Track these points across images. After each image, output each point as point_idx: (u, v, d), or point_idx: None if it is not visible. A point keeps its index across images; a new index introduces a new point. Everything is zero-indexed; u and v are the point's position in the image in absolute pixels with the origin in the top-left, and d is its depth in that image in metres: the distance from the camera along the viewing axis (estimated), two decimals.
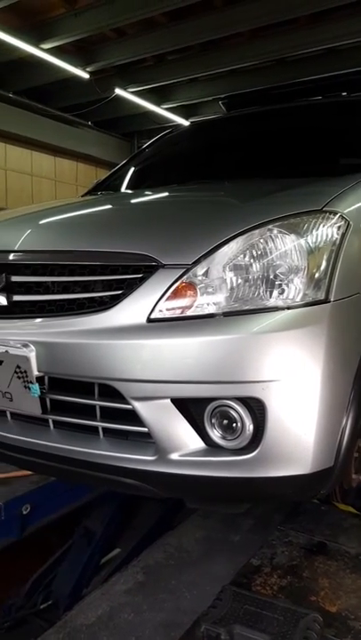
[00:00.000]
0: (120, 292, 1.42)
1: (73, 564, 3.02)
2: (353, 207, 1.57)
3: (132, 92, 7.00)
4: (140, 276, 1.41)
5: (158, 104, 7.49)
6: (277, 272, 1.41)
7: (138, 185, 2.96)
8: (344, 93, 2.93)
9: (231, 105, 3.39)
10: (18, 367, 1.47)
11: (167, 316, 1.37)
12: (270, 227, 1.44)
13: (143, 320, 1.37)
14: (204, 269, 1.39)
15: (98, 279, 1.47)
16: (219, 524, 3.14)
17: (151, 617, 2.26)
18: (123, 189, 2.92)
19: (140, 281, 1.41)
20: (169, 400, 1.34)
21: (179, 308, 1.38)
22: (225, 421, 1.34)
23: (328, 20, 6.51)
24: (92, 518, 3.10)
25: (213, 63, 6.44)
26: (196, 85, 7.49)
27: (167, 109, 7.74)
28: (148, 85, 7.08)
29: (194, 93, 7.48)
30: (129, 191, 2.88)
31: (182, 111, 8.07)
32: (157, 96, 7.58)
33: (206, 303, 1.38)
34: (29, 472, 2.52)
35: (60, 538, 3.29)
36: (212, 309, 1.37)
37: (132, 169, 3.19)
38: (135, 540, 3.09)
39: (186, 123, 7.84)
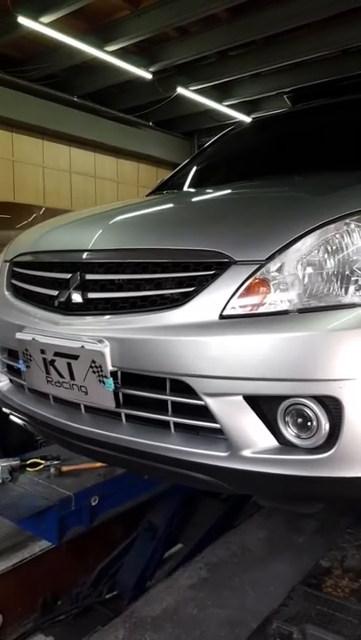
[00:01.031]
0: (192, 288, 1.43)
1: (137, 556, 3.08)
2: None
3: (194, 91, 7.01)
4: (212, 272, 1.41)
5: (220, 101, 7.46)
6: (354, 268, 1.37)
7: (202, 183, 2.96)
8: None
9: (297, 98, 3.32)
10: (93, 362, 1.51)
11: (240, 312, 1.37)
12: (347, 221, 1.40)
13: (216, 317, 1.37)
14: (278, 265, 1.38)
15: (169, 276, 1.49)
16: (282, 525, 3.11)
17: (216, 613, 2.27)
18: (186, 188, 2.93)
19: (213, 278, 1.41)
20: (241, 397, 1.33)
21: (252, 304, 1.37)
22: (300, 420, 1.32)
23: None
24: (155, 513, 3.15)
25: (277, 57, 6.33)
26: (259, 80, 7.40)
27: (228, 106, 7.68)
28: (210, 83, 7.07)
29: (256, 89, 7.39)
30: (194, 189, 2.88)
31: (244, 107, 8.00)
32: (219, 93, 7.55)
33: (280, 300, 1.36)
34: (98, 464, 2.60)
35: (125, 530, 3.37)
36: (285, 306, 1.35)
37: (196, 167, 3.20)
38: (197, 536, 3.12)
39: (248, 119, 7.76)
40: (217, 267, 1.41)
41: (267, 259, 1.38)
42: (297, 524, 3.04)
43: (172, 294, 1.46)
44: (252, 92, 7.48)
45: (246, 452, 1.35)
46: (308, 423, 1.31)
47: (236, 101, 7.66)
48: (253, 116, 8.21)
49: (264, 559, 2.74)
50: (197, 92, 6.99)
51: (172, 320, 1.42)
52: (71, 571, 3.33)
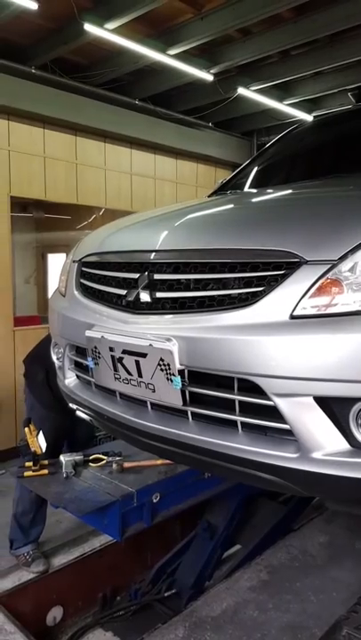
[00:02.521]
0: (261, 288, 1.42)
1: (196, 556, 3.10)
2: None
3: (255, 90, 6.94)
4: (281, 272, 1.41)
5: (281, 100, 7.36)
6: None
7: (265, 183, 2.93)
8: None
9: None
10: (161, 360, 1.53)
11: (311, 312, 1.35)
12: None
13: (286, 317, 1.36)
14: (351, 265, 1.35)
15: (238, 276, 1.49)
16: (343, 530, 3.03)
17: (277, 617, 2.25)
18: (248, 188, 2.91)
19: (282, 278, 1.40)
20: (312, 398, 1.32)
21: (323, 304, 1.35)
22: None
23: None
24: (214, 513, 3.16)
25: (342, 54, 6.15)
26: (322, 78, 7.22)
27: (290, 105, 7.57)
28: (272, 82, 6.96)
29: (319, 87, 7.22)
30: (257, 189, 2.87)
31: (305, 106, 7.85)
32: (281, 92, 7.44)
33: (353, 300, 1.33)
34: (159, 461, 2.63)
35: (184, 529, 3.39)
36: (358, 306, 1.32)
37: (257, 167, 3.17)
38: (256, 538, 3.09)
39: (309, 117, 7.60)
40: (287, 266, 1.40)
41: (339, 258, 1.35)
42: (359, 530, 2.96)
43: (240, 294, 1.46)
44: (315, 90, 7.32)
45: (317, 454, 1.33)
46: None
47: (297, 100, 7.53)
48: (314, 115, 8.03)
49: (326, 564, 2.69)
50: (258, 91, 6.93)
51: (240, 320, 1.42)
52: (130, 567, 3.39)
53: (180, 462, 2.24)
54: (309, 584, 2.51)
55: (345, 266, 1.35)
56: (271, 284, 1.41)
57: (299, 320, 1.35)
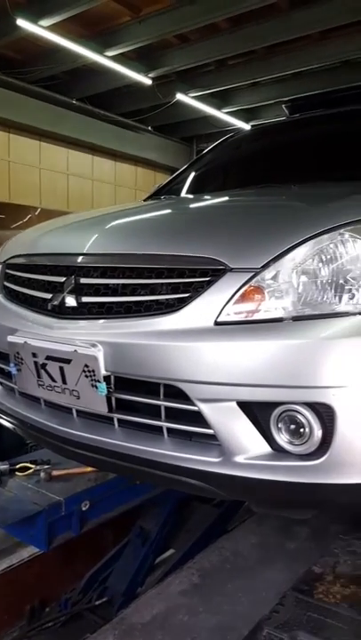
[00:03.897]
0: (187, 294, 1.43)
1: (128, 562, 3.06)
2: None
3: (193, 97, 7.04)
4: (207, 279, 1.42)
5: (219, 108, 7.50)
6: (348, 277, 1.38)
7: (200, 189, 2.97)
8: None
9: (295, 108, 3.35)
10: (86, 366, 1.51)
11: (235, 319, 1.37)
12: (341, 231, 1.41)
13: (210, 323, 1.38)
14: (273, 273, 1.38)
15: (165, 282, 1.49)
16: (274, 531, 3.10)
17: (207, 619, 2.26)
18: (184, 194, 2.94)
19: (208, 284, 1.41)
20: (235, 403, 1.34)
21: (246, 311, 1.37)
22: (292, 426, 1.32)
23: None
24: (147, 518, 3.14)
25: (277, 67, 6.38)
26: (259, 89, 7.45)
27: (228, 113, 7.73)
28: (210, 90, 7.11)
29: (256, 97, 7.44)
30: (192, 195, 2.89)
31: (243, 115, 8.05)
32: (218, 100, 7.59)
33: (274, 307, 1.37)
34: (89, 469, 2.58)
35: (116, 536, 3.35)
36: (280, 313, 1.36)
37: (194, 173, 3.21)
38: (189, 541, 3.10)
39: (247, 126, 7.80)
40: (213, 273, 1.42)
41: (262, 267, 1.38)
42: (290, 530, 3.04)
43: (167, 300, 1.47)
44: (252, 100, 7.53)
45: (239, 458, 1.35)
46: (301, 430, 1.32)
47: (235, 109, 7.71)
48: (252, 124, 8.25)
49: (257, 565, 2.73)
50: (197, 98, 7.03)
51: (166, 325, 1.42)
52: (60, 577, 3.30)
53: (107, 470, 2.21)
54: (240, 585, 2.54)
55: (268, 274, 1.39)
56: (197, 290, 1.42)
57: (223, 326, 1.37)
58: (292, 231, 1.45)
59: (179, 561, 2.93)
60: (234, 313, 1.37)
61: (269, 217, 1.68)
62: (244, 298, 1.38)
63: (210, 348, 1.35)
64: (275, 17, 5.31)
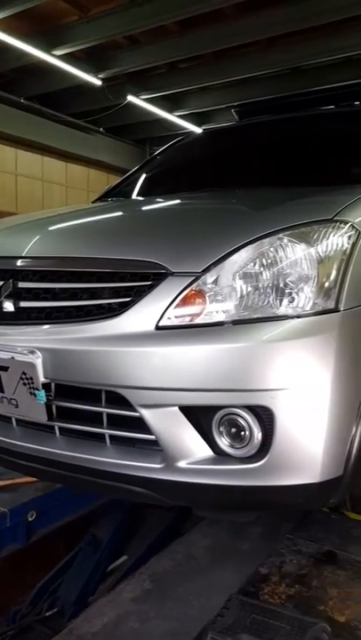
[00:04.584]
0: (128, 299, 1.42)
1: (79, 571, 3.00)
2: None
3: (145, 99, 7.04)
4: (148, 283, 1.41)
5: (171, 111, 7.53)
6: (287, 281, 1.40)
7: (149, 192, 2.96)
8: (357, 103, 2.92)
9: (244, 113, 3.39)
10: (24, 373, 1.47)
11: (176, 323, 1.37)
12: (280, 235, 1.43)
13: (151, 327, 1.37)
14: (214, 277, 1.39)
15: (106, 286, 1.47)
16: (227, 533, 3.11)
17: (158, 625, 2.24)
18: (133, 196, 2.92)
19: (149, 289, 1.40)
20: (177, 408, 1.33)
21: (188, 315, 1.37)
22: (233, 430, 1.33)
23: (344, 30, 6.52)
24: (99, 525, 3.09)
25: (227, 72, 6.46)
26: (209, 93, 7.51)
27: (180, 116, 7.76)
28: (161, 93, 7.12)
29: (206, 101, 7.50)
30: (140, 198, 2.88)
31: (195, 118, 8.10)
32: (170, 103, 7.61)
33: (215, 311, 1.37)
34: (35, 478, 2.52)
35: (67, 545, 3.28)
36: (221, 317, 1.36)
37: (144, 176, 3.19)
38: (143, 547, 3.07)
39: (199, 130, 7.85)
40: (154, 277, 1.41)
41: (202, 271, 1.39)
42: (242, 531, 3.06)
43: (108, 304, 1.45)
44: (203, 104, 7.60)
45: (181, 464, 1.34)
46: (242, 433, 1.32)
47: (186, 112, 7.75)
48: (204, 128, 8.32)
49: (209, 567, 2.73)
50: (148, 101, 7.03)
51: (107, 330, 1.40)
52: (9, 590, 3.20)
53: (49, 480, 2.16)
54: (192, 589, 2.53)
55: (209, 278, 1.39)
56: (138, 294, 1.41)
57: (164, 331, 1.36)
58: (233, 235, 1.46)
59: (131, 567, 2.89)
60: (175, 317, 1.37)
61: (212, 221, 1.69)
62: (185, 302, 1.37)
63: (150, 353, 1.34)
64: (223, 22, 5.37)
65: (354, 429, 1.39)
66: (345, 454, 1.37)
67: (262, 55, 6.56)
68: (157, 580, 2.63)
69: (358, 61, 7.44)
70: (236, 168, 2.88)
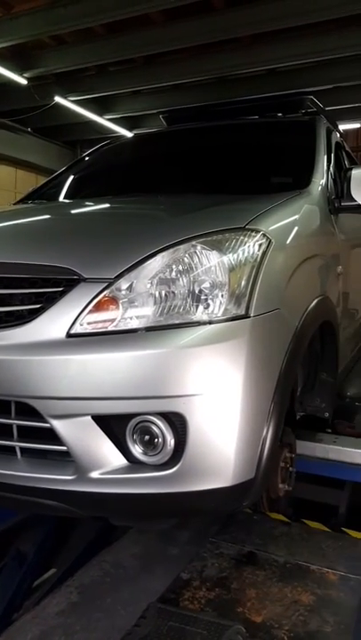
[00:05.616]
0: (39, 305, 1.38)
1: (3, 588, 2.88)
2: (276, 225, 1.61)
3: (73, 101, 6.92)
4: (60, 289, 1.38)
5: (101, 114, 7.45)
6: (202, 287, 1.41)
7: (74, 194, 2.91)
8: (280, 114, 3.01)
9: (171, 119, 3.43)
10: None
11: (88, 330, 1.34)
12: (194, 242, 1.44)
13: (62, 335, 1.33)
14: (129, 283, 1.38)
15: (16, 292, 1.42)
16: (156, 538, 3.10)
17: (84, 638, 2.19)
18: (56, 198, 2.86)
19: (61, 295, 1.37)
20: (89, 417, 1.31)
21: (101, 322, 1.35)
22: (146, 437, 1.32)
23: (268, 42, 6.75)
24: (24, 539, 2.98)
25: (156, 77, 6.48)
26: (140, 97, 7.52)
27: (110, 120, 7.71)
28: (90, 95, 7.03)
29: (137, 105, 7.50)
30: (61, 201, 2.82)
31: (126, 122, 8.07)
32: (100, 106, 7.54)
33: (130, 317, 1.36)
34: None
35: None
36: (135, 324, 1.35)
37: (71, 177, 3.14)
38: (71, 559, 3.00)
39: (129, 134, 7.84)
40: (66, 283, 1.38)
41: (116, 277, 1.37)
42: (171, 536, 3.06)
43: (17, 311, 1.40)
44: (133, 108, 7.59)
45: (94, 474, 1.32)
46: (155, 440, 1.32)
47: (117, 116, 7.71)
48: (135, 132, 8.32)
49: (138, 575, 2.70)
50: (77, 102, 6.92)
51: (16, 338, 1.35)
52: None
53: None
54: (120, 598, 2.49)
55: (123, 284, 1.38)
56: (50, 301, 1.38)
57: (75, 338, 1.33)
58: (148, 241, 1.46)
59: (59, 580, 2.81)
60: (87, 324, 1.34)
61: (128, 226, 1.68)
62: (98, 308, 1.35)
63: (60, 362, 1.30)
64: (150, 28, 5.40)
65: (265, 432, 1.41)
66: (257, 457, 1.40)
67: (193, 62, 6.65)
68: (84, 592, 2.57)
69: (283, 73, 7.73)
70: (161, 174, 2.89)
